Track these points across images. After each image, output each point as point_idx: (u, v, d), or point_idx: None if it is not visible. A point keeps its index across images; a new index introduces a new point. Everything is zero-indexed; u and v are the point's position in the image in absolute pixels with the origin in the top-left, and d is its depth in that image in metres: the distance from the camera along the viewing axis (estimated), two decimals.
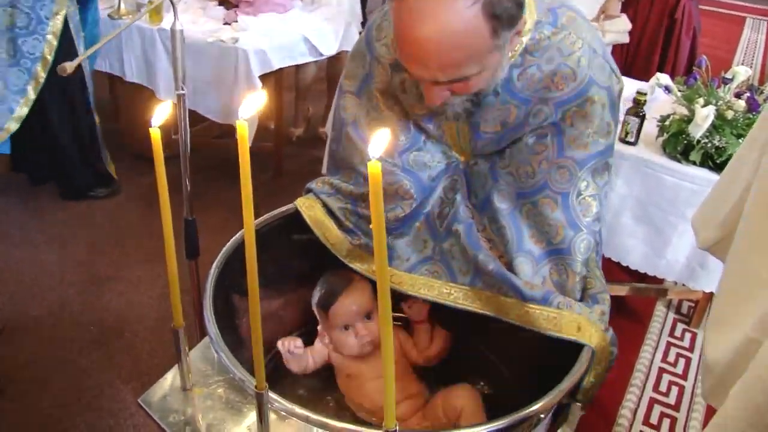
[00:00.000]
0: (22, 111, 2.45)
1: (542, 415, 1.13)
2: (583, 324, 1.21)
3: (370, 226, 1.47)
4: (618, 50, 3.12)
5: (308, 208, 1.45)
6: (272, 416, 0.99)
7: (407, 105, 1.37)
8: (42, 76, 2.45)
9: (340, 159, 1.49)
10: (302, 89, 3.35)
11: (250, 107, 0.78)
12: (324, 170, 1.57)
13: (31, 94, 2.45)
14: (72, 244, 2.66)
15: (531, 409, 1.04)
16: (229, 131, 2.81)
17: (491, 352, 1.55)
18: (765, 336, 0.84)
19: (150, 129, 0.83)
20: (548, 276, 1.31)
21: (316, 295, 1.44)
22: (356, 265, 1.41)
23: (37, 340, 2.18)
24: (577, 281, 1.28)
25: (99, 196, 2.89)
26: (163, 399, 1.01)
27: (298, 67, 3.19)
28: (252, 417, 0.99)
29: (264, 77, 2.68)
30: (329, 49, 2.91)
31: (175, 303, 0.94)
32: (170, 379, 1.05)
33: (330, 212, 1.45)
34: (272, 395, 0.98)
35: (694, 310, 2.49)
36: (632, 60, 3.16)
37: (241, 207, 0.78)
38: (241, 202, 0.78)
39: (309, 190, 1.50)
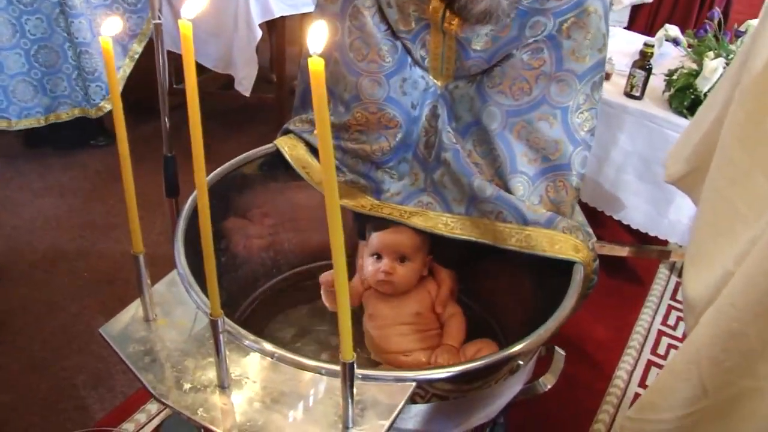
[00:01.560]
0: None
1: (521, 362, 1.09)
2: (580, 247, 1.18)
3: (354, 158, 1.43)
4: (645, 12, 3.02)
5: (290, 147, 1.40)
6: (239, 351, 0.96)
7: (393, 22, 1.31)
8: None
9: None
10: None
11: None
12: (295, 104, 1.50)
13: None
14: (70, 191, 2.65)
15: (515, 348, 1.00)
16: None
17: (485, 312, 1.50)
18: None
19: (100, 38, 0.78)
20: (545, 194, 1.27)
21: (372, 220, 1.41)
22: (345, 202, 1.37)
23: (30, 285, 2.17)
24: (575, 197, 1.25)
25: (99, 145, 2.86)
26: (125, 329, 0.99)
27: (303, 19, 3.12)
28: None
29: (266, 27, 2.62)
30: None
31: (133, 228, 0.90)
32: (133, 310, 1.02)
33: (313, 150, 1.40)
34: (231, 324, 0.95)
35: None
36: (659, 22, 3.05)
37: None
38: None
39: (287, 131, 1.45)
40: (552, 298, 1.22)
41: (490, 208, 1.26)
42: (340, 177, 1.38)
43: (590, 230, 1.26)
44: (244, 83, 2.60)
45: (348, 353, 0.78)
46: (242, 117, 3.25)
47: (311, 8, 2.81)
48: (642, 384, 2.03)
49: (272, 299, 1.47)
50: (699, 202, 1.09)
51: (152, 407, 1.78)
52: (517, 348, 0.99)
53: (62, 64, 2.48)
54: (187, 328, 1.00)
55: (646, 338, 2.21)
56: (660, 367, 2.10)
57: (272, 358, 0.95)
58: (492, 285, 1.46)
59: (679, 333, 2.24)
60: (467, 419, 1.10)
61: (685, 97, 1.93)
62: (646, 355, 2.14)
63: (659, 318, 2.29)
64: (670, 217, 2.04)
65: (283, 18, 2.74)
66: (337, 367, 0.91)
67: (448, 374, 0.95)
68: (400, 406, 0.90)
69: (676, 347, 2.18)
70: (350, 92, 1.34)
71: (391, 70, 1.33)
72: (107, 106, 2.58)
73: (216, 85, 3.10)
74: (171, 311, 1.02)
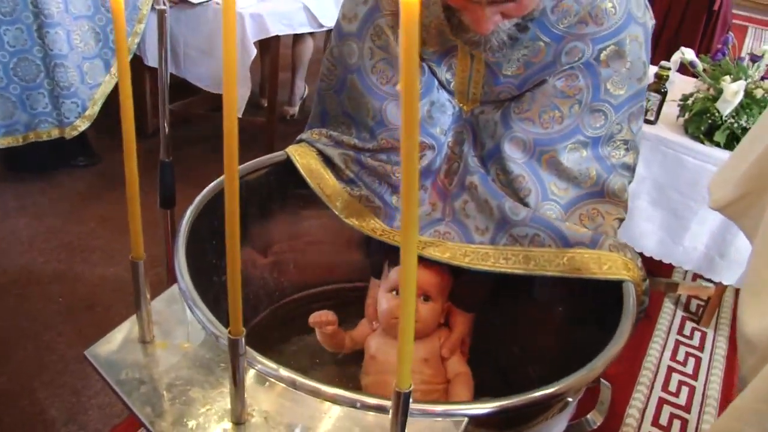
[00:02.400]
0: None
1: (570, 398, 0.93)
2: (631, 265, 1.04)
3: (371, 176, 1.29)
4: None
5: (301, 155, 1.25)
6: (251, 379, 0.79)
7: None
8: None
9: (339, 113, 1.30)
10: (299, 66, 3.15)
11: None
12: (309, 123, 1.36)
13: None
14: (47, 212, 2.44)
15: (575, 378, 0.84)
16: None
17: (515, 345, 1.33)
18: None
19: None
20: (578, 222, 1.13)
21: (390, 255, 1.25)
22: (352, 221, 1.21)
23: None
24: (613, 224, 1.12)
25: (79, 165, 2.67)
26: (116, 352, 0.81)
27: (295, 42, 2.99)
28: (225, 378, 0.78)
29: (258, 49, 2.48)
30: (330, 20, 2.71)
31: (134, 230, 0.73)
32: (126, 330, 0.84)
33: (327, 161, 1.25)
34: (252, 352, 0.78)
35: (704, 309, 2.30)
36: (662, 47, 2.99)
37: None
38: None
39: (301, 140, 1.31)
40: (588, 327, 1.08)
41: (524, 232, 1.12)
42: (355, 190, 1.23)
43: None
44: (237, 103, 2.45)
45: (405, 380, 0.62)
46: None
47: (308, 28, 2.70)
48: (655, 422, 1.88)
49: (275, 325, 1.29)
50: (755, 229, 0.97)
51: None
52: (579, 377, 0.84)
53: (43, 79, 2.30)
54: (191, 353, 0.82)
55: (656, 375, 2.06)
56: (673, 405, 1.95)
57: (296, 388, 0.78)
58: (518, 322, 1.30)
59: (689, 369, 2.10)
60: None
61: (702, 122, 1.83)
62: (657, 392, 2.00)
63: (668, 354, 2.15)
64: (685, 244, 1.92)
65: (277, 38, 2.61)
66: (377, 401, 0.75)
67: (505, 406, 0.79)
68: None
69: (687, 384, 2.04)
70: (375, 119, 1.22)
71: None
72: (81, 126, 2.38)
73: (204, 107, 2.94)
74: (171, 332, 0.85)
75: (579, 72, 1.13)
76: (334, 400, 0.77)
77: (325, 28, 2.75)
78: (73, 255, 2.23)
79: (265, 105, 2.93)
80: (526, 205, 1.15)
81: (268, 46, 2.72)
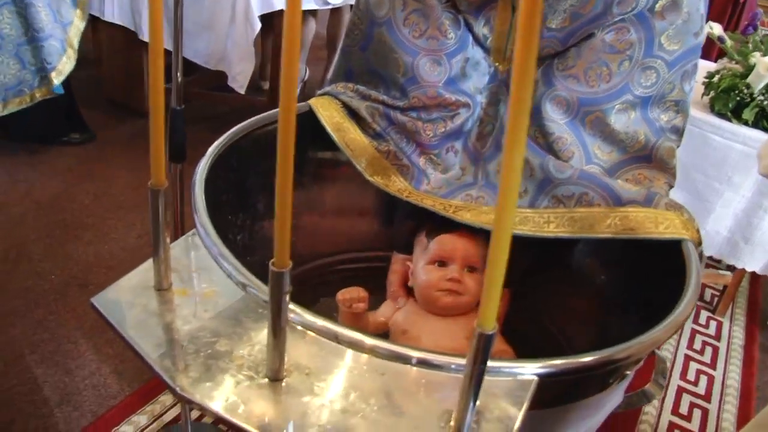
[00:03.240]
0: None
1: (628, 371, 0.82)
2: (689, 225, 0.94)
3: (399, 132, 1.17)
4: None
5: (324, 107, 1.13)
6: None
7: None
8: None
9: (365, 70, 1.19)
10: (300, 49, 3.02)
11: None
12: (330, 78, 1.25)
13: None
14: (39, 188, 2.30)
15: (641, 342, 0.72)
16: (226, 83, 2.46)
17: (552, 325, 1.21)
18: None
19: None
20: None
21: (427, 225, 1.13)
22: (376, 180, 1.10)
23: None
24: (663, 185, 1.01)
25: (72, 142, 2.53)
26: (128, 301, 0.68)
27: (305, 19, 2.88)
28: (256, 330, 0.66)
29: (260, 31, 2.35)
30: None
31: (156, 152, 0.61)
32: (139, 276, 0.72)
33: (352, 114, 1.14)
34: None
35: (719, 299, 2.20)
36: None
37: None
38: None
39: (324, 93, 1.19)
40: (634, 303, 0.97)
41: (570, 191, 1.02)
42: (382, 145, 1.12)
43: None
44: (239, 79, 2.32)
45: (490, 319, 0.50)
46: (231, 120, 2.96)
47: (312, 5, 2.58)
48: (675, 411, 1.78)
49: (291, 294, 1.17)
50: None
51: (127, 429, 1.44)
52: (655, 334, 0.73)
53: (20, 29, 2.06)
54: (215, 302, 0.70)
55: (673, 363, 1.96)
56: (692, 394, 1.85)
57: (338, 341, 0.66)
58: (555, 296, 1.18)
59: (707, 358, 2.01)
60: None
61: (730, 99, 1.73)
62: (676, 380, 1.90)
63: (684, 342, 2.06)
64: (708, 228, 1.82)
65: (280, 17, 2.49)
66: (435, 357, 0.63)
67: (582, 364, 0.68)
68: (522, 411, 0.62)
69: (705, 373, 1.95)
70: (406, 75, 1.11)
71: (453, 48, 1.11)
72: (65, 69, 2.16)
73: (203, 85, 2.81)
74: (189, 280, 0.73)
75: (631, 24, 1.03)
76: (381, 353, 0.65)
77: (330, 5, 2.64)
78: (66, 232, 2.09)
79: (266, 87, 2.81)
80: (571, 166, 1.04)
81: (270, 25, 2.60)
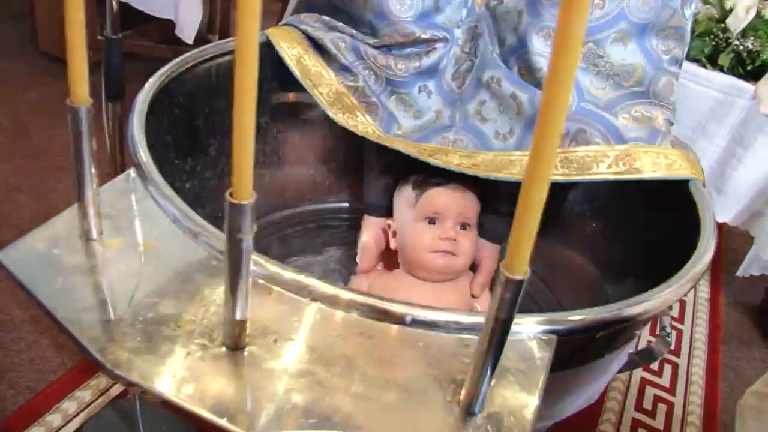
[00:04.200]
0: None
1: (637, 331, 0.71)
2: (695, 164, 0.83)
3: (368, 69, 1.02)
4: None
5: (283, 37, 0.97)
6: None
7: None
8: None
9: (325, 5, 1.03)
10: None
11: None
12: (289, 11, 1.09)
13: None
14: None
15: (664, 293, 0.61)
16: (174, 36, 2.25)
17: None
18: None
19: None
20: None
21: (412, 177, 0.98)
22: (340, 118, 0.95)
23: None
24: (663, 122, 0.89)
25: None
26: (46, 254, 0.53)
27: None
28: (210, 287, 0.51)
29: None
30: None
31: (74, 62, 0.45)
32: (61, 224, 0.56)
33: (315, 46, 0.98)
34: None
35: None
36: None
37: None
38: None
39: (285, 24, 1.03)
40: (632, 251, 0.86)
41: (565, 128, 0.89)
42: (349, 79, 0.97)
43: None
44: (187, 28, 2.12)
45: (521, 263, 0.37)
46: None
47: None
48: (645, 369, 1.71)
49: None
50: None
51: (70, 405, 1.28)
52: (678, 283, 0.61)
53: None
54: (157, 254, 0.55)
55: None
56: (654, 385, 1.77)
57: (311, 298, 0.52)
58: (545, 250, 1.06)
59: (674, 313, 1.95)
60: (571, 401, 0.71)
61: (705, 44, 1.63)
62: (645, 336, 1.83)
63: None
64: None
65: None
66: (435, 314, 0.50)
67: (604, 318, 0.55)
68: (543, 379, 0.49)
69: (674, 328, 1.88)
70: (373, 11, 0.95)
71: None
72: None
73: (151, 38, 2.58)
74: (126, 229, 0.58)
75: None
76: (366, 310, 0.52)
77: None
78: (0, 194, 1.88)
79: (214, 41, 2.60)
80: None
81: None
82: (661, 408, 1.60)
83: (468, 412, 0.45)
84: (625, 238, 0.91)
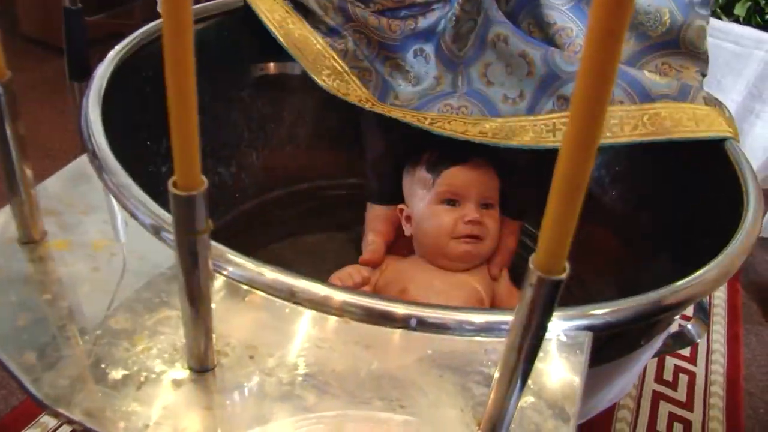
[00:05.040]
0: None
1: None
2: (731, 122, 0.73)
3: (358, 31, 0.90)
4: None
5: (262, 0, 0.87)
6: (219, 292, 0.43)
7: None
8: None
9: None
10: None
11: None
12: None
13: None
14: None
15: (700, 277, 0.51)
16: (157, 13, 2.14)
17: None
18: None
19: None
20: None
21: (424, 156, 0.87)
22: (330, 85, 0.85)
23: None
24: (694, 75, 0.79)
25: None
26: None
27: None
28: (173, 295, 0.42)
29: None
30: None
31: None
32: None
33: (298, 7, 0.88)
34: (217, 246, 0.42)
35: None
36: None
37: None
38: None
39: None
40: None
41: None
42: (338, 43, 0.86)
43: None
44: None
45: (558, 261, 0.27)
46: None
47: None
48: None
49: (236, 236, 0.92)
50: None
51: None
52: (727, 259, 0.52)
53: None
54: (111, 256, 0.46)
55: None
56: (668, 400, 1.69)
57: (295, 301, 0.43)
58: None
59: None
60: (602, 396, 0.62)
61: None
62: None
63: None
64: None
65: None
66: (445, 315, 0.41)
67: (644, 309, 0.46)
68: (580, 385, 0.40)
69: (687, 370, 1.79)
70: None
71: None
72: None
73: (135, 18, 2.47)
74: (76, 226, 0.48)
75: None
76: (361, 313, 0.42)
77: None
78: None
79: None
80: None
81: None
82: (683, 379, 1.51)
83: None
84: (653, 207, 0.81)
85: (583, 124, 0.24)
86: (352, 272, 0.80)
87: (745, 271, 1.90)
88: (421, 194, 0.86)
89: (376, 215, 0.92)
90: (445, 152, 0.84)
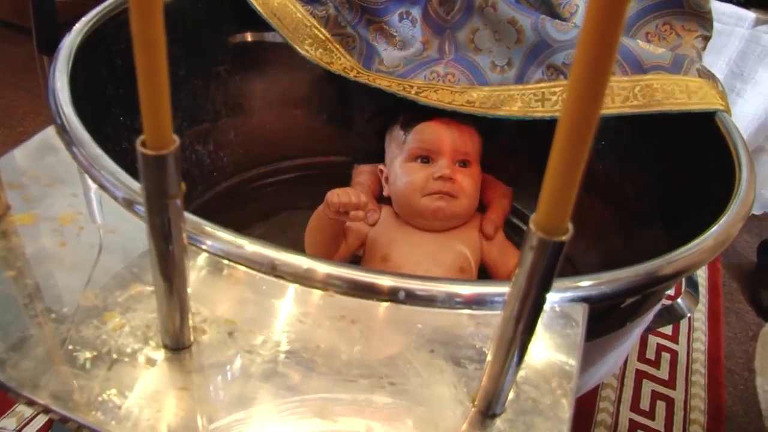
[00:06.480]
0: None
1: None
2: (723, 96, 0.71)
3: None
4: None
5: None
6: (196, 268, 0.41)
7: None
8: None
9: None
10: None
11: None
12: None
13: None
14: None
15: (697, 246, 0.50)
16: None
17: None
18: None
19: None
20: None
21: (401, 115, 0.85)
22: (312, 55, 0.82)
23: None
24: (694, 41, 0.77)
25: None
26: None
27: None
28: (147, 270, 0.39)
29: None
30: None
31: None
32: None
33: None
34: (193, 218, 0.39)
35: None
36: None
37: None
38: None
39: None
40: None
41: (572, 57, 0.76)
42: (319, 10, 0.83)
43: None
44: None
45: (560, 222, 0.25)
46: None
47: None
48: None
49: (214, 214, 0.89)
50: None
51: (8, 423, 1.16)
52: (721, 230, 0.50)
53: None
54: (79, 230, 0.43)
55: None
56: (651, 378, 1.64)
57: (276, 274, 0.40)
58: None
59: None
60: (592, 373, 0.60)
61: None
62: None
63: None
64: None
65: None
66: (436, 286, 0.39)
67: (641, 280, 0.44)
68: (577, 358, 0.38)
69: (669, 349, 1.78)
70: None
71: None
72: None
73: None
74: (43, 199, 0.45)
75: None
76: (346, 286, 0.40)
77: None
78: None
79: None
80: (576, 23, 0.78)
81: None
82: (665, 357, 1.51)
83: (486, 414, 0.34)
84: (644, 177, 0.79)
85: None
86: (351, 192, 0.74)
87: (725, 251, 1.91)
88: (396, 152, 0.84)
89: (360, 171, 0.90)
90: (422, 111, 0.82)
